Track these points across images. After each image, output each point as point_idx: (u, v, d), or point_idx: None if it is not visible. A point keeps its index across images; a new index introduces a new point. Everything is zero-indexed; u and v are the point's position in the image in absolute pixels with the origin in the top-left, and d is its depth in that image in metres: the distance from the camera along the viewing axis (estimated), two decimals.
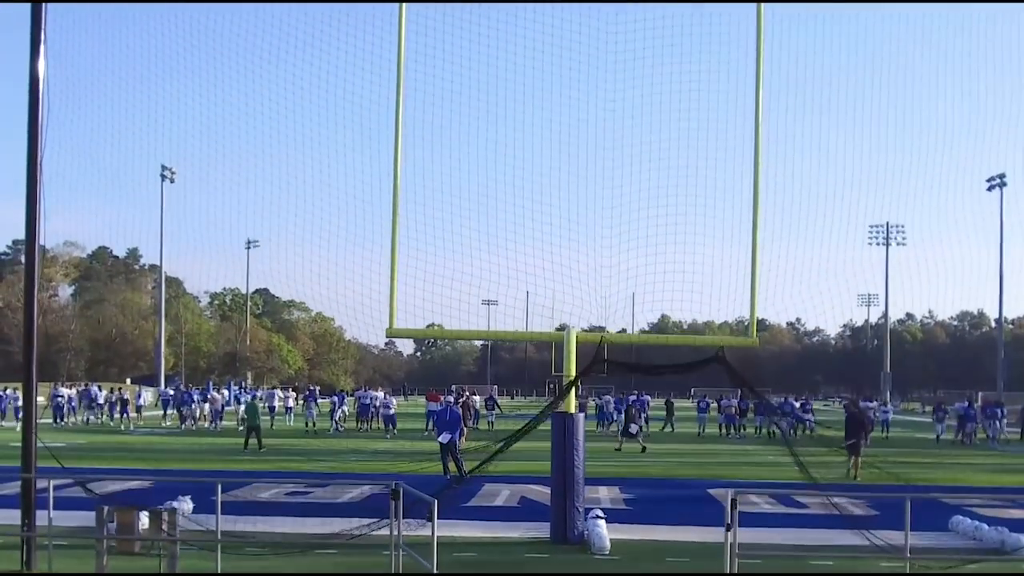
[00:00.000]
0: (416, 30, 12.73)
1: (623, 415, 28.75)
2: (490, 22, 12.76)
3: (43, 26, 9.80)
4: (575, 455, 10.66)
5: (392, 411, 35.08)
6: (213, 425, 34.49)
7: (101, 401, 39.09)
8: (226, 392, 46.63)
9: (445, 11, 12.80)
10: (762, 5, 12.21)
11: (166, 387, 57.70)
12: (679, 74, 12.66)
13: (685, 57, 12.57)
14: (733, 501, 7.69)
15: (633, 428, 27.24)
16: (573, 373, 10.52)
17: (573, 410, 11.23)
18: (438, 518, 10.07)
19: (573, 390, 11.13)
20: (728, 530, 7.57)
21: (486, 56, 12.82)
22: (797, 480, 12.94)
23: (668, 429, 36.47)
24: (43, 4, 9.81)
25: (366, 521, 11.08)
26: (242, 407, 35.20)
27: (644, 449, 26.13)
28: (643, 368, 14.36)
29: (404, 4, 12.28)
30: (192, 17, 14.89)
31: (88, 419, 38.35)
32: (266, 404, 31.00)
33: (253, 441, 25.46)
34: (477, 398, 40.45)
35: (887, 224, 78.63)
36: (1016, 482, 19.88)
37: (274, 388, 42.24)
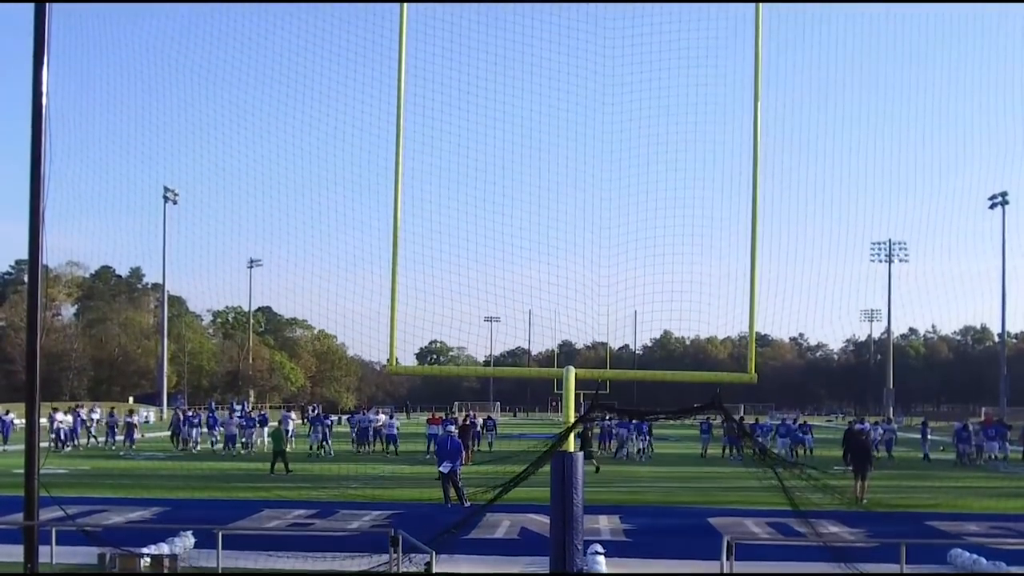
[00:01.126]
0: (415, 42, 12.67)
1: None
2: (491, 35, 12.74)
3: (47, 31, 9.82)
4: (574, 494, 10.71)
5: (395, 432, 35.42)
6: (227, 450, 34.50)
7: (97, 418, 39.24)
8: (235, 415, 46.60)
9: (445, 20, 12.80)
10: (760, 6, 11.76)
11: (170, 407, 57.67)
12: (677, 87, 12.59)
13: (683, 68, 12.47)
14: (729, 546, 7.73)
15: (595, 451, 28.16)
16: (572, 417, 10.57)
17: (572, 449, 11.28)
18: (437, 553, 10.14)
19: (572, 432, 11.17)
20: None
21: (487, 70, 12.81)
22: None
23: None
24: (46, 4, 9.84)
25: (367, 559, 11.14)
26: (255, 433, 35.68)
27: (597, 470, 26.46)
28: (640, 413, 14.47)
29: (405, 4, 12.06)
30: (197, 39, 15.07)
31: (103, 441, 38.45)
32: (282, 427, 31.32)
33: (280, 465, 26.01)
34: (479, 419, 40.51)
35: (889, 241, 78.90)
36: (1017, 507, 19.84)
37: (289, 411, 42.20)
